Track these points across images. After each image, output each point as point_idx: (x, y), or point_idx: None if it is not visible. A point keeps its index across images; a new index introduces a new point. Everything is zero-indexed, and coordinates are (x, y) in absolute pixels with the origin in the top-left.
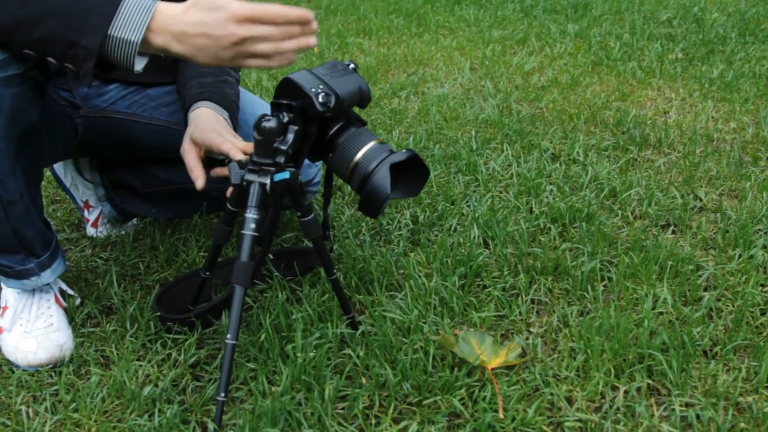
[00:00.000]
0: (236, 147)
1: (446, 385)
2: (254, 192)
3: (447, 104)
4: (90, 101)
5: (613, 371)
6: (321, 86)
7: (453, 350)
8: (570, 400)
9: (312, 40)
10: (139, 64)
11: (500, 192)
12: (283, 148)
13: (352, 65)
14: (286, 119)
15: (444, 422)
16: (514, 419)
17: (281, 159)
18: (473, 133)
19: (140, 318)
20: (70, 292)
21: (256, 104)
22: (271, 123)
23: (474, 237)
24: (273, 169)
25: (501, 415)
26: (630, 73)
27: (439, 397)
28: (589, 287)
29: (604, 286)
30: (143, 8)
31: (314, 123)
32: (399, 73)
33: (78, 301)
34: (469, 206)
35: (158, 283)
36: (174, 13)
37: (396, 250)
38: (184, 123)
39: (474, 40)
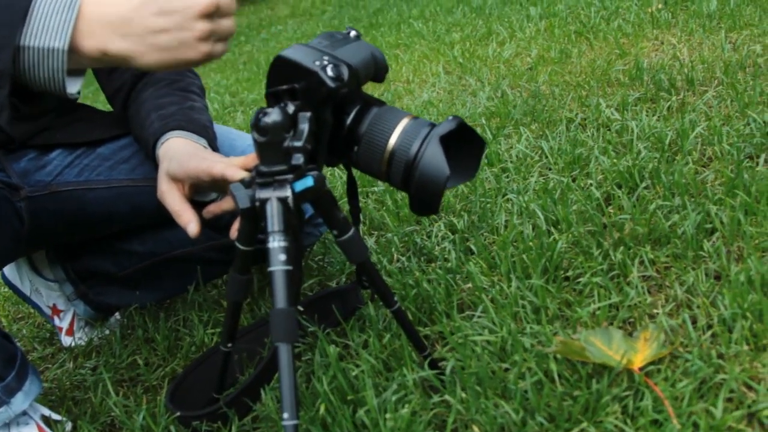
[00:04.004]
0: (232, 164)
1: (589, 404)
2: (273, 212)
3: (437, 108)
4: (30, 177)
5: None
6: (326, 58)
7: (584, 357)
8: (754, 381)
9: None
10: (73, 86)
11: (540, 175)
12: (298, 144)
13: (353, 32)
14: (291, 108)
15: None
16: (696, 426)
17: (299, 159)
18: (483, 121)
19: (154, 427)
20: (56, 416)
21: (233, 135)
22: (275, 115)
23: (540, 224)
24: (291, 176)
25: (676, 424)
26: (619, 31)
27: (585, 424)
28: (707, 242)
29: (723, 237)
30: (63, 5)
31: (327, 106)
32: None
33: (69, 426)
34: (509, 198)
35: (166, 379)
36: (109, 2)
37: (449, 265)
38: (154, 166)
39: (436, 48)
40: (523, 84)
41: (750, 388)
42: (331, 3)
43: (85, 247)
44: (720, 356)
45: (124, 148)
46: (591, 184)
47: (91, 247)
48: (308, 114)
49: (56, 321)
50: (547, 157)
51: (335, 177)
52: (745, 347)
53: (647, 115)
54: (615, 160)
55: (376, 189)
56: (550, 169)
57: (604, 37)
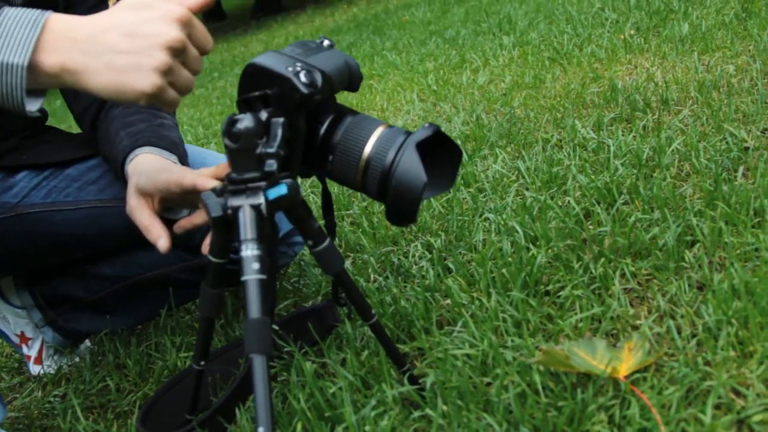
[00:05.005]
0: (202, 174)
1: (574, 414)
2: (245, 219)
3: None
4: None
5: None
6: (299, 64)
7: (568, 367)
8: (743, 386)
9: None
10: (33, 104)
11: (517, 194)
12: (271, 150)
13: (326, 41)
14: (264, 115)
15: None
16: None
17: (272, 166)
18: (459, 143)
19: None
20: None
21: (205, 154)
22: (247, 121)
23: (518, 240)
24: (264, 183)
25: (663, 430)
26: (592, 56)
27: None
28: (688, 253)
29: (704, 248)
30: (28, 21)
31: (301, 114)
32: None
33: None
34: (487, 217)
35: (137, 404)
36: (77, 19)
37: (427, 282)
38: (123, 185)
39: (410, 78)
40: (498, 108)
41: (738, 394)
42: (303, 39)
43: (53, 272)
44: (707, 363)
45: (92, 169)
46: (569, 202)
47: (60, 272)
48: (281, 120)
49: (24, 349)
50: (523, 176)
51: (310, 201)
52: (732, 353)
53: (623, 134)
54: (593, 177)
55: (351, 212)
56: (527, 189)
57: (577, 63)
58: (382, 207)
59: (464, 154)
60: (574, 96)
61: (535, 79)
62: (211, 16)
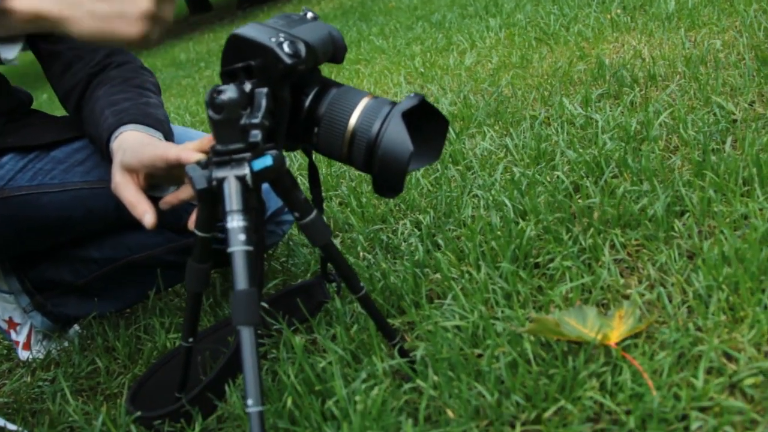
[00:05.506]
0: (187, 148)
1: (566, 382)
2: (231, 190)
3: None
4: None
5: (766, 300)
6: (282, 35)
7: (559, 334)
8: (735, 351)
9: None
10: (9, 51)
11: (506, 171)
12: (255, 121)
13: (310, 14)
14: (248, 86)
15: (588, 430)
16: (677, 397)
17: (257, 136)
18: None
19: (114, 429)
20: (12, 426)
21: (191, 133)
22: (231, 92)
23: (507, 213)
24: (249, 154)
25: (657, 396)
26: (579, 36)
27: (563, 402)
28: (677, 222)
29: (694, 217)
30: None
31: (285, 85)
32: None
33: None
34: (476, 194)
35: (127, 385)
36: None
37: (416, 258)
38: (109, 165)
39: (396, 62)
40: (486, 88)
41: (730, 358)
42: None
43: (40, 256)
44: (698, 329)
45: (78, 151)
46: (558, 176)
47: (47, 256)
48: (265, 90)
49: (12, 335)
50: (512, 153)
51: (299, 182)
52: (723, 318)
53: (611, 110)
54: (581, 151)
55: (339, 192)
56: (515, 165)
57: (564, 42)
58: (371, 187)
59: (452, 132)
60: (562, 74)
61: (522, 59)
62: (196, 7)
